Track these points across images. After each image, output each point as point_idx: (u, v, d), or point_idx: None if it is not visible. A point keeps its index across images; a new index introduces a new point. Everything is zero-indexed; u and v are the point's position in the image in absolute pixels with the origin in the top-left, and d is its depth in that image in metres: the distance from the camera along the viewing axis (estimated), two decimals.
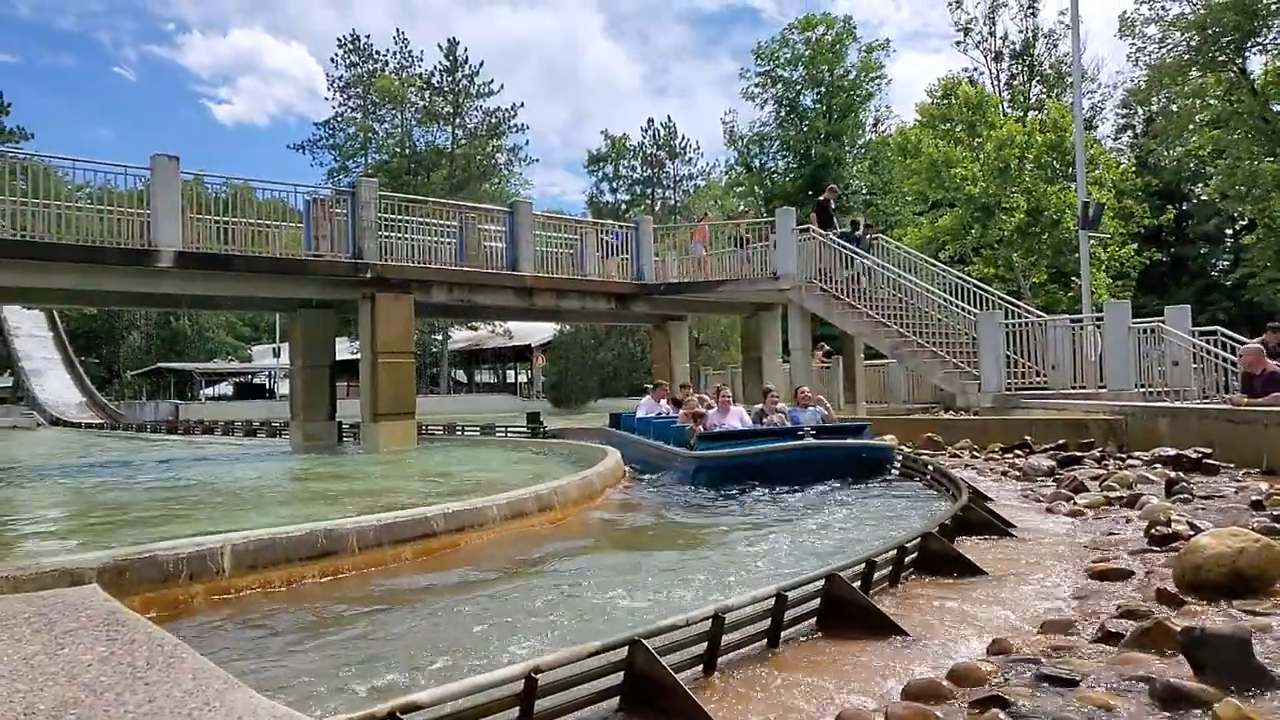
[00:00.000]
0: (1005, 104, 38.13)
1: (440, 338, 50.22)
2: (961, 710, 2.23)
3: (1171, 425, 8.54)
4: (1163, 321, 11.65)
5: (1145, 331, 11.73)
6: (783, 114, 50.55)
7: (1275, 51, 27.98)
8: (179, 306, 37.54)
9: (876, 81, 50.77)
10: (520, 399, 48.26)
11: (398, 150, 51.09)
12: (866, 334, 15.55)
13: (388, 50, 51.97)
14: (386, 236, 15.38)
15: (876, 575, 3.46)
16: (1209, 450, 7.21)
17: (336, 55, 51.89)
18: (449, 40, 52.74)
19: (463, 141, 50.54)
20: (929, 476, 7.32)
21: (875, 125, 51.91)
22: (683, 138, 51.32)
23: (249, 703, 2.01)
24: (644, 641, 2.36)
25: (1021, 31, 40.11)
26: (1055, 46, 39.46)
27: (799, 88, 50.22)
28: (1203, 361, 10.90)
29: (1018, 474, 7.85)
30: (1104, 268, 29.40)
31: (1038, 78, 40.17)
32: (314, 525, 4.76)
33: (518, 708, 2.11)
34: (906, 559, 3.79)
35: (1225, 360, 10.46)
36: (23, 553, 5.69)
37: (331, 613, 3.93)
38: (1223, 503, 5.40)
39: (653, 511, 7.10)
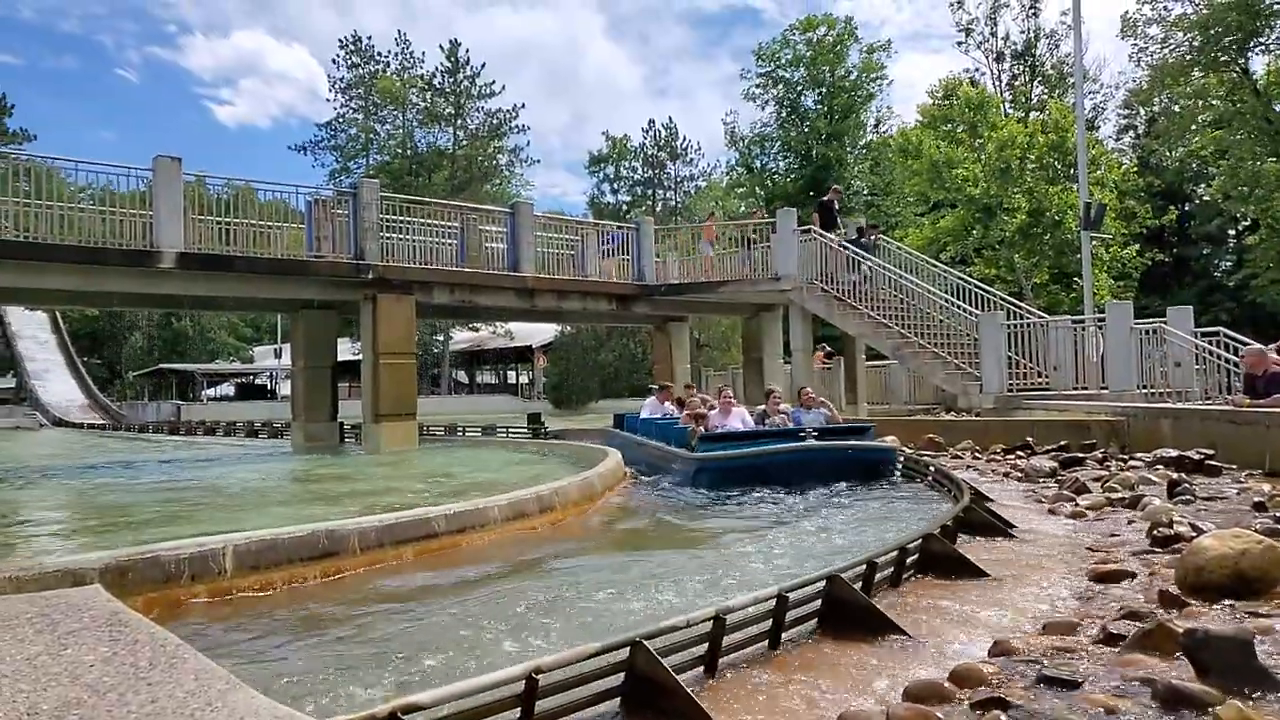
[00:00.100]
0: (1007, 105, 38.12)
1: (441, 338, 50.23)
2: (963, 711, 2.23)
3: (1174, 426, 8.53)
4: (1165, 322, 11.66)
5: (1147, 332, 11.74)
6: (784, 115, 50.52)
7: (1278, 52, 27.99)
8: (181, 307, 37.47)
9: (878, 82, 50.92)
10: (521, 400, 48.28)
11: (399, 151, 51.14)
12: (868, 335, 15.53)
13: (389, 51, 52.23)
14: (388, 237, 15.39)
15: (878, 576, 3.45)
16: (1211, 451, 7.19)
17: (338, 56, 52.24)
18: (450, 41, 52.61)
19: (464, 142, 50.58)
20: (930, 478, 7.31)
21: (876, 126, 52.05)
22: (684, 139, 51.62)
23: (251, 703, 2.02)
24: (645, 642, 2.36)
25: (1023, 32, 40.17)
26: (1057, 47, 39.48)
27: (800, 88, 50.19)
28: (1205, 362, 10.90)
29: (1019, 475, 7.83)
30: (1106, 268, 29.38)
31: (1039, 78, 40.11)
32: (315, 526, 4.76)
33: (519, 708, 2.11)
34: (908, 560, 3.78)
35: (1227, 361, 10.46)
36: (26, 553, 5.69)
37: (333, 613, 3.92)
38: (1225, 504, 5.39)
39: (653, 513, 7.09)
